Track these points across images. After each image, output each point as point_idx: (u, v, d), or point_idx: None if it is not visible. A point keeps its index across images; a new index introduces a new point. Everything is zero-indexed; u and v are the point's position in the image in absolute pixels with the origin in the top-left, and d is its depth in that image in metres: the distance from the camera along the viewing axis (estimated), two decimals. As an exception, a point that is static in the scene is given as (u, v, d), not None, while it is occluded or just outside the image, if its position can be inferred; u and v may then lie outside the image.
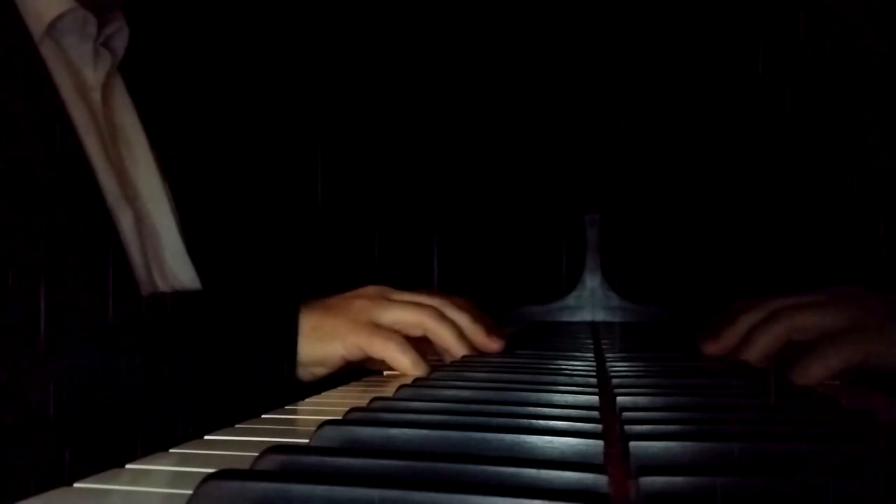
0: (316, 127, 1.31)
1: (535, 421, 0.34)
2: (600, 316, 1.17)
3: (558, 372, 0.53)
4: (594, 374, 0.51)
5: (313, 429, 0.33)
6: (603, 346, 0.71)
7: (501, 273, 1.25)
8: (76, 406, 0.57)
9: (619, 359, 0.59)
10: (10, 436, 0.56)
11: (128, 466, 0.32)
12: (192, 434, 0.38)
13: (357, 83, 1.32)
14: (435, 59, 1.29)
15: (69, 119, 0.71)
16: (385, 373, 0.65)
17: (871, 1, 1.02)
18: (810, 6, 1.09)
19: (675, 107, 1.23)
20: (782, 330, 0.59)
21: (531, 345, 0.74)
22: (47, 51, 0.72)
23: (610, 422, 0.35)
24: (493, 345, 0.66)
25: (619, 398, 0.40)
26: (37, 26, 0.71)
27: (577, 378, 0.49)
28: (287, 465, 0.28)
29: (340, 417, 0.36)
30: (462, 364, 0.61)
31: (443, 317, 0.65)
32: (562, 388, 0.44)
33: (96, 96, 0.78)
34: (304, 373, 0.63)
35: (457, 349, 0.64)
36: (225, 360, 0.61)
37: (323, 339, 0.62)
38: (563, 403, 0.40)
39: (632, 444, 0.29)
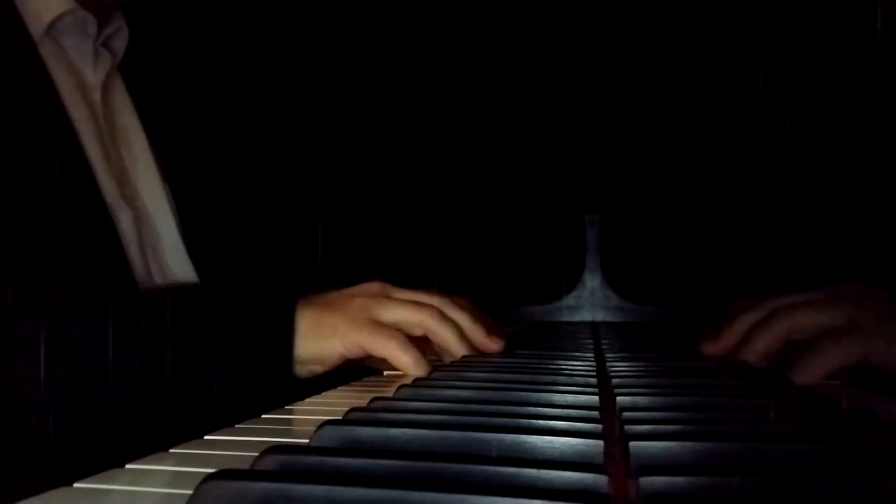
0: (316, 126, 1.31)
1: (535, 421, 0.34)
2: (600, 316, 1.17)
3: (558, 372, 0.53)
4: (594, 374, 0.51)
5: (313, 429, 0.33)
6: (603, 346, 0.71)
7: (501, 273, 1.24)
8: (76, 406, 0.57)
9: (619, 359, 0.59)
10: (10, 436, 0.56)
11: (128, 466, 0.32)
12: (191, 434, 0.38)
13: (358, 82, 1.32)
14: (436, 59, 1.29)
15: (69, 119, 0.71)
16: (385, 373, 0.65)
17: (871, 1, 1.02)
18: (810, 6, 1.09)
19: (676, 107, 1.23)
20: (782, 329, 0.59)
21: (531, 345, 0.74)
22: (47, 51, 0.72)
23: (610, 422, 0.35)
24: (493, 345, 0.66)
25: (619, 398, 0.40)
26: (36, 26, 0.71)
27: (577, 378, 0.49)
28: (287, 465, 0.28)
29: (340, 417, 0.36)
30: (462, 364, 0.61)
31: (444, 316, 0.65)
32: (562, 388, 0.44)
33: (96, 96, 0.78)
34: (302, 370, 0.63)
35: (457, 349, 0.64)
36: (220, 358, 0.61)
37: (322, 337, 0.62)
38: (563, 403, 0.40)
39: (632, 444, 0.29)
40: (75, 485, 0.29)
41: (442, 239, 1.26)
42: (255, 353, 0.62)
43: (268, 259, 1.08)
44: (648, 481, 0.25)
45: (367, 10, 1.30)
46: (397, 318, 0.64)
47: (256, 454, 0.28)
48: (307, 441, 0.33)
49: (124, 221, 0.75)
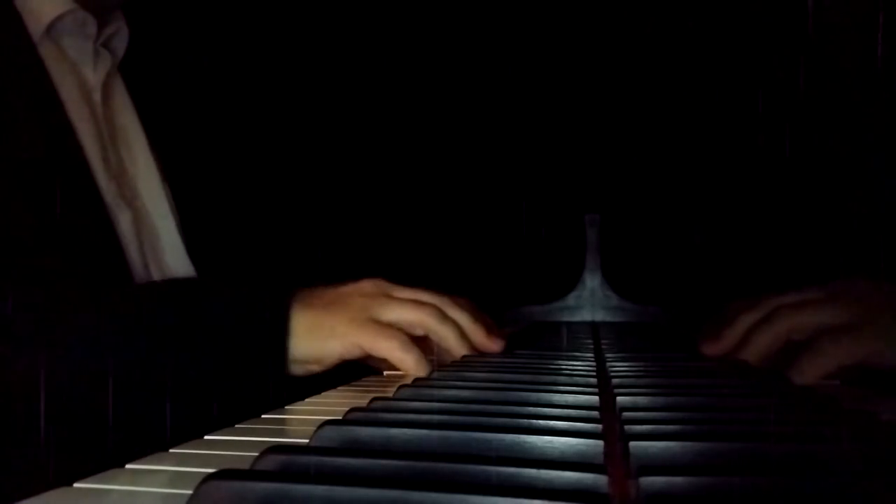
0: (316, 126, 1.31)
1: (535, 421, 0.34)
2: (600, 316, 1.17)
3: (558, 372, 0.53)
4: (594, 374, 0.51)
5: (313, 429, 0.33)
6: (603, 346, 0.71)
7: (501, 273, 1.24)
8: (75, 406, 0.57)
9: (619, 359, 0.59)
10: (10, 436, 0.56)
11: (128, 466, 0.32)
12: (191, 434, 0.38)
13: (357, 82, 1.32)
14: (436, 58, 1.29)
15: (68, 119, 0.71)
16: (385, 373, 0.65)
17: (872, 2, 1.02)
18: (810, 7, 1.09)
19: (676, 107, 1.23)
20: (782, 329, 0.59)
21: (531, 345, 0.74)
22: (47, 51, 0.72)
23: (610, 422, 0.35)
24: (493, 345, 0.66)
25: (619, 398, 0.40)
26: (36, 27, 0.71)
27: (577, 378, 0.49)
28: (287, 465, 0.28)
29: (340, 417, 0.35)
30: (462, 364, 0.61)
31: (444, 316, 0.65)
32: (562, 388, 0.44)
33: (96, 97, 0.78)
34: (299, 369, 0.62)
35: (458, 349, 0.64)
36: (215, 357, 0.61)
37: (321, 338, 0.62)
38: (563, 403, 0.40)
39: (632, 444, 0.29)
40: (75, 485, 0.29)
41: (442, 238, 1.26)
42: (248, 352, 0.61)
43: (268, 259, 1.08)
44: (648, 481, 0.25)
45: (367, 10, 1.30)
46: (397, 317, 0.63)
47: (256, 454, 0.28)
48: (307, 441, 0.33)
49: (123, 221, 0.75)
